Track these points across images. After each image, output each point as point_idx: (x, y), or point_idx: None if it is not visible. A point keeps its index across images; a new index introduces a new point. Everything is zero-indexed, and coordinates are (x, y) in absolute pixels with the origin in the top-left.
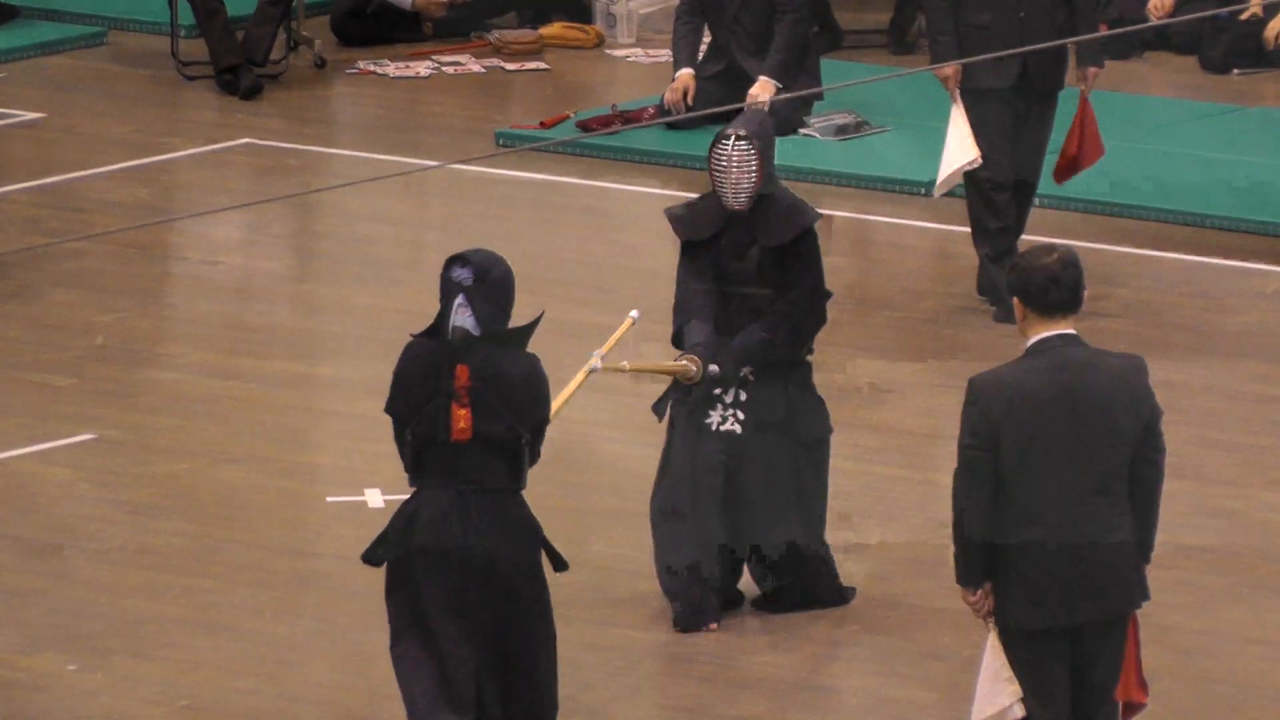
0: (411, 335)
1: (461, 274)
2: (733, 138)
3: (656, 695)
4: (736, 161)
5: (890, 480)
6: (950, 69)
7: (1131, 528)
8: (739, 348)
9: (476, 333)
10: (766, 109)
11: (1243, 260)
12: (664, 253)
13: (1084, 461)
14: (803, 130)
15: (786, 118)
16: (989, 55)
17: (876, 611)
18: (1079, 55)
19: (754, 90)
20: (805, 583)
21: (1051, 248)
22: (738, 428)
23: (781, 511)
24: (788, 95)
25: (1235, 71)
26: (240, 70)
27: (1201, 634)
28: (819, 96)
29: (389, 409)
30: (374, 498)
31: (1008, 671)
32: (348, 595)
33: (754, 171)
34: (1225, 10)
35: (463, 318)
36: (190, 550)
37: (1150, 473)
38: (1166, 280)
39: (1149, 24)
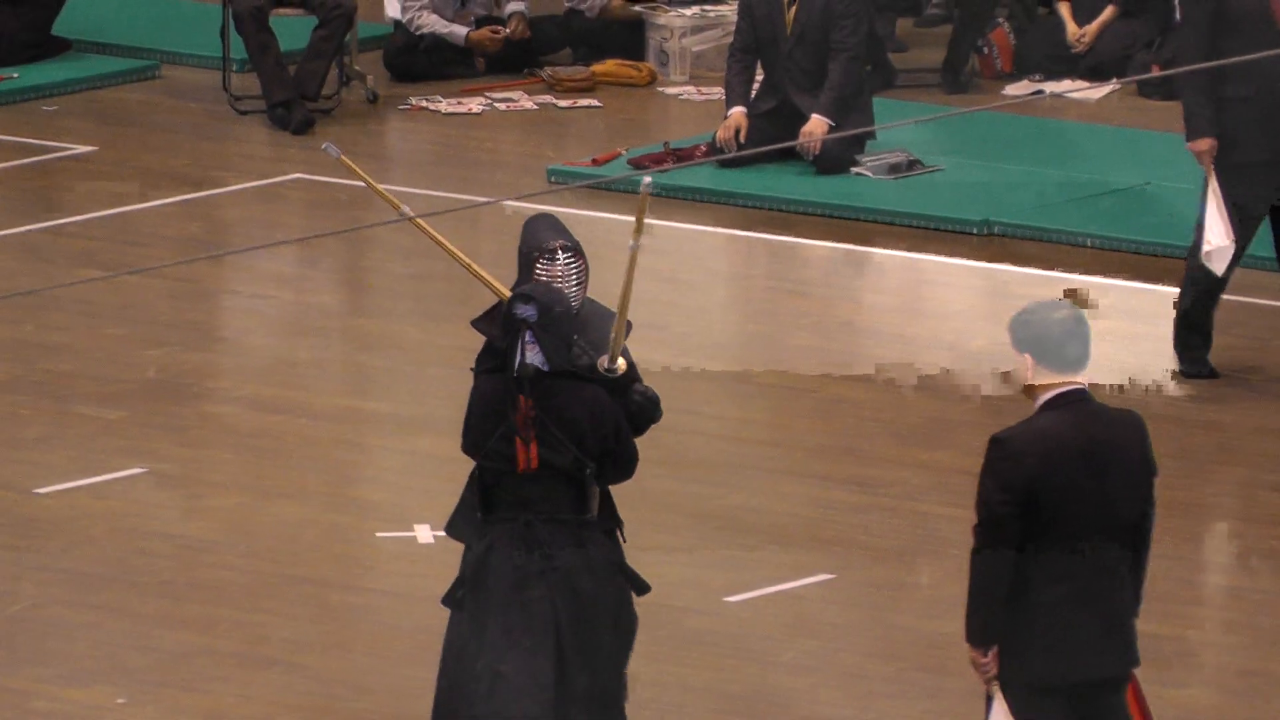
0: (471, 369)
1: (527, 311)
2: (559, 250)
3: None
4: (564, 274)
5: (940, 519)
6: (1205, 143)
7: (1137, 582)
8: None
9: (546, 369)
10: (819, 148)
11: None
12: (716, 289)
13: (1110, 515)
14: (855, 169)
15: (839, 156)
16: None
17: (926, 651)
18: None
19: (807, 128)
20: None
21: (1062, 303)
22: None
23: None
24: (840, 134)
25: None
26: (292, 105)
27: (1253, 675)
28: (872, 135)
29: (464, 448)
30: (424, 533)
31: None
32: (398, 630)
33: (584, 283)
34: (1275, 52)
35: (531, 354)
36: (241, 584)
37: (1148, 528)
38: (1222, 321)
39: (1200, 65)
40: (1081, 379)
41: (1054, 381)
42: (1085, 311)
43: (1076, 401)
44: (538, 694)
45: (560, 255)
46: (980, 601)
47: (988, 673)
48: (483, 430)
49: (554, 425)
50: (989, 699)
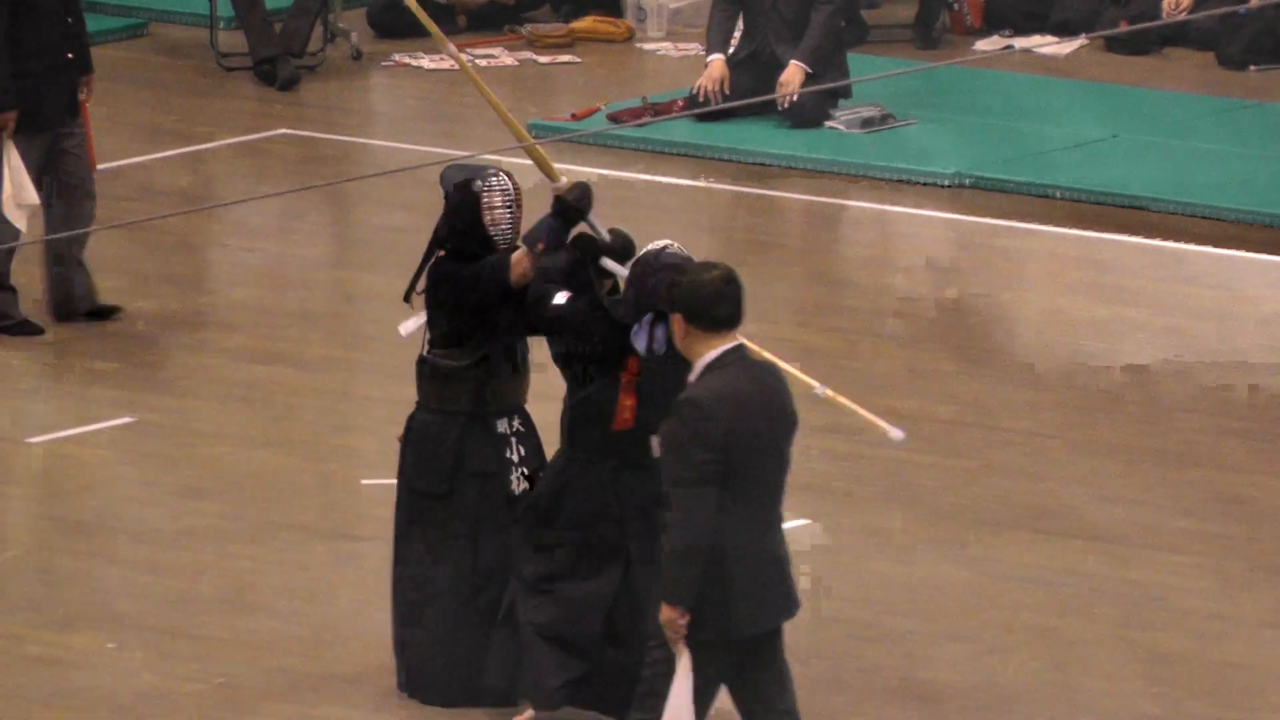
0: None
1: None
2: (500, 173)
3: None
4: (515, 195)
5: (915, 466)
6: None
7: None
8: None
9: (663, 350)
10: (795, 97)
11: (1260, 253)
12: (693, 241)
13: (781, 466)
14: (829, 123)
15: (813, 110)
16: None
17: (902, 595)
18: None
19: (785, 75)
20: None
21: (713, 265)
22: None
23: None
24: (815, 89)
25: (1252, 68)
26: (278, 61)
27: (1219, 619)
28: (847, 91)
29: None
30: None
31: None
32: (384, 576)
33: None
34: (1242, 7)
35: (660, 336)
36: (228, 531)
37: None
38: (1187, 271)
39: (1167, 20)
40: (736, 339)
41: (714, 342)
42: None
43: (738, 359)
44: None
45: (502, 177)
46: (686, 563)
47: (679, 633)
48: (588, 376)
49: (655, 384)
50: (671, 656)
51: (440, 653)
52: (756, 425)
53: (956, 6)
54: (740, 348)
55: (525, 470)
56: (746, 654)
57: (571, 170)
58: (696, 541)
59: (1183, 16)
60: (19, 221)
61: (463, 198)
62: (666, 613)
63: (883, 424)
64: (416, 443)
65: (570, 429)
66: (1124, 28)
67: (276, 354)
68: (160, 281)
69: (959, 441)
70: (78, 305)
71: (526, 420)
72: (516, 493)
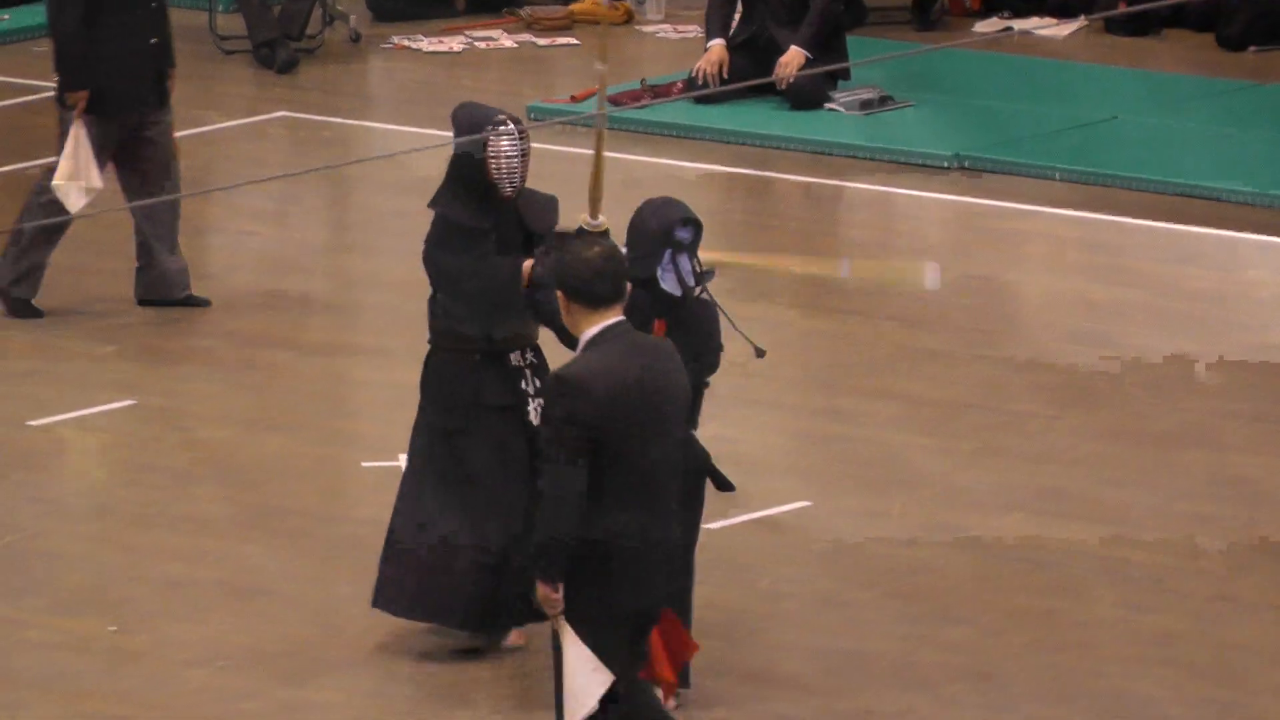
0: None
1: (684, 234)
2: (508, 121)
3: None
4: (521, 145)
5: (913, 448)
6: None
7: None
8: None
9: (693, 288)
10: (793, 79)
11: (1259, 234)
12: None
13: (666, 443)
14: (828, 105)
15: (813, 92)
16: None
17: (902, 577)
18: None
19: (784, 59)
20: None
21: (594, 242)
22: None
23: None
24: (815, 70)
25: (1251, 48)
26: (277, 44)
27: (1219, 600)
28: (846, 73)
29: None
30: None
31: (594, 662)
32: None
33: (527, 162)
34: None
35: (689, 276)
36: (228, 515)
37: (685, 454)
38: (1186, 252)
39: (1166, 2)
40: (619, 314)
41: (596, 318)
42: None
43: (619, 335)
44: None
45: (511, 125)
46: (555, 538)
47: (557, 607)
48: None
49: (684, 344)
50: (555, 634)
51: (437, 571)
52: (634, 401)
53: None
54: (622, 324)
55: (542, 401)
56: (631, 630)
57: (572, 154)
58: (566, 518)
59: None
60: (70, 201)
61: (468, 146)
62: (541, 589)
63: (915, 269)
64: (434, 382)
65: None
66: (1122, 9)
67: (276, 338)
68: None
69: (959, 424)
70: (171, 292)
71: (538, 353)
72: (535, 423)
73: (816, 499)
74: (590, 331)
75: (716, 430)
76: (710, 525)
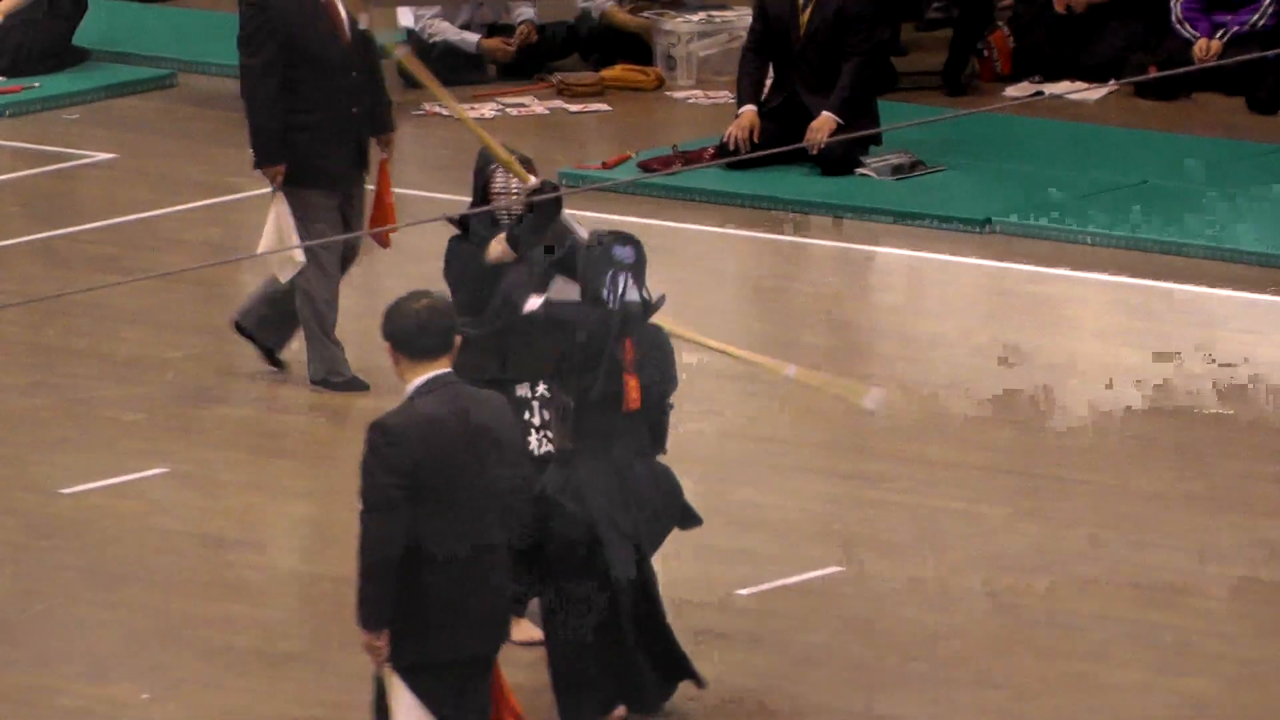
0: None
1: (624, 252)
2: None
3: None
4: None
5: (944, 514)
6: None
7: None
8: None
9: (642, 308)
10: (822, 144)
11: None
12: (724, 288)
13: (490, 495)
14: (859, 170)
15: (844, 157)
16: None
17: (932, 643)
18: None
19: (815, 124)
20: None
21: (421, 294)
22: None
23: None
24: (846, 136)
25: None
26: None
27: (1251, 664)
28: (877, 138)
29: (562, 384)
30: None
31: (419, 710)
32: None
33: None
34: (1272, 52)
35: (632, 293)
36: (260, 582)
37: (521, 507)
38: (1217, 315)
39: (1196, 66)
40: (447, 366)
41: (421, 370)
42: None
43: (444, 386)
44: None
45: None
46: (374, 586)
47: (380, 655)
48: (585, 361)
49: (649, 363)
50: (378, 680)
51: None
52: (453, 451)
53: (986, 53)
54: (448, 375)
55: (548, 434)
56: (458, 679)
57: (604, 220)
58: (382, 565)
59: (1213, 62)
60: (282, 272)
61: (475, 182)
62: (364, 638)
63: (858, 389)
64: None
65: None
66: (1153, 73)
67: (308, 404)
68: (191, 332)
69: (990, 488)
70: (341, 371)
71: (550, 387)
72: (538, 453)
73: (846, 564)
74: (416, 382)
75: (746, 496)
76: (741, 591)
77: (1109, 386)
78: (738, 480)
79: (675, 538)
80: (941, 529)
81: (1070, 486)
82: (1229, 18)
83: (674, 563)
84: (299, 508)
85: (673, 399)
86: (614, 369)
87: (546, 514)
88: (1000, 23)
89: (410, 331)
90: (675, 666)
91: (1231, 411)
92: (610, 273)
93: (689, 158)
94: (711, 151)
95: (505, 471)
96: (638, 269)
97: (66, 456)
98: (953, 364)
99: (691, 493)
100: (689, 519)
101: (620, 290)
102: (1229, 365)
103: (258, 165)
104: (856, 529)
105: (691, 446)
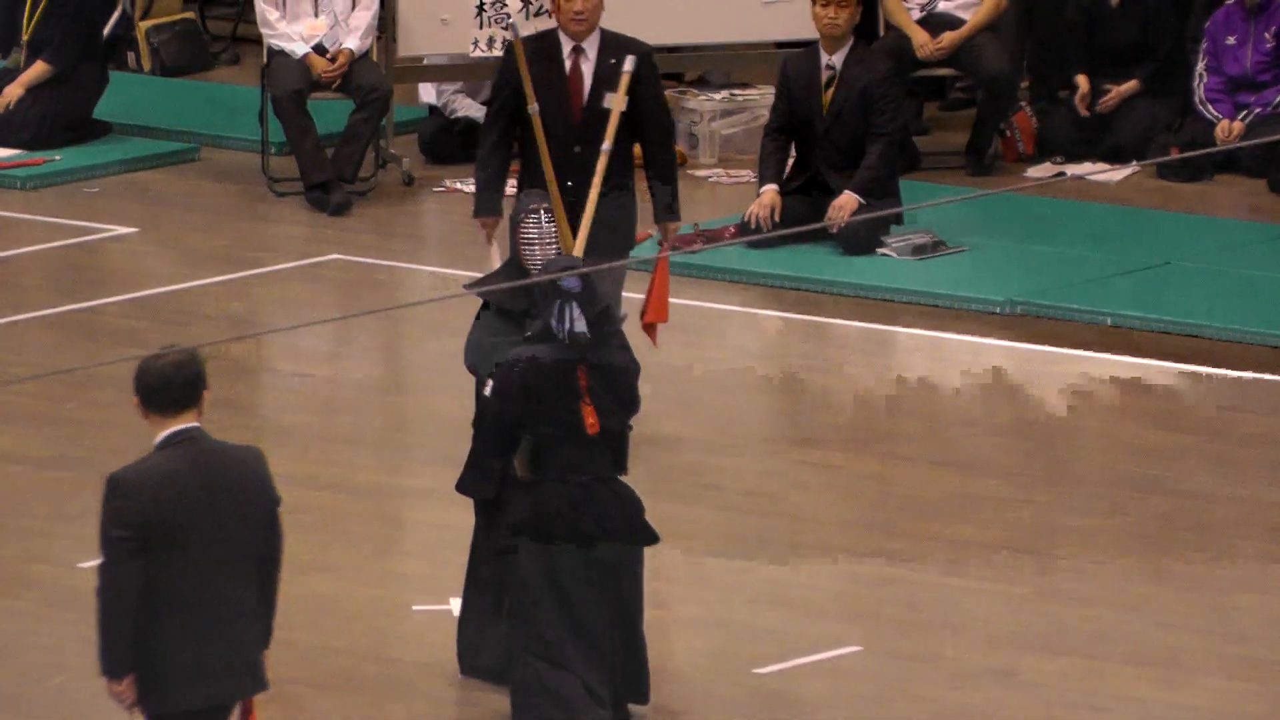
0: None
1: (571, 282)
2: (541, 212)
3: None
4: (548, 229)
5: (965, 592)
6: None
7: (268, 611)
8: None
9: (589, 335)
10: (844, 224)
11: None
12: (745, 367)
13: (229, 547)
14: (881, 250)
15: (866, 237)
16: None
17: None
18: None
19: (837, 203)
20: None
21: (170, 350)
22: None
23: None
24: (868, 215)
25: None
26: (330, 186)
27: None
28: (899, 217)
29: (500, 421)
30: (459, 606)
31: None
32: (434, 701)
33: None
34: None
35: (580, 324)
36: (277, 657)
37: (273, 556)
38: (1240, 397)
39: (1219, 148)
40: (194, 420)
41: (166, 423)
42: None
43: (188, 440)
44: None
45: (542, 215)
46: (111, 635)
47: (125, 701)
48: (544, 400)
49: (602, 389)
50: None
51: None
52: (191, 507)
53: (1009, 133)
54: (194, 429)
55: None
56: None
57: (626, 298)
58: (117, 614)
59: (1235, 143)
60: None
61: (510, 227)
62: (109, 686)
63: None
64: None
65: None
66: (1175, 155)
67: (326, 478)
68: (212, 406)
69: (1011, 567)
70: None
71: None
72: None
73: (867, 643)
74: (161, 435)
75: (767, 574)
76: (760, 670)
77: (1131, 467)
78: (758, 558)
79: (695, 615)
80: (960, 607)
81: (1091, 567)
82: (1252, 99)
83: (694, 640)
84: (316, 582)
85: (665, 428)
86: (570, 398)
87: (510, 546)
88: (1023, 103)
89: (154, 386)
90: (633, 687)
91: (1252, 492)
92: (558, 304)
93: (710, 236)
94: (733, 230)
95: (248, 524)
96: (584, 297)
97: (87, 530)
98: (975, 444)
99: (711, 569)
100: (649, 537)
101: (568, 322)
102: (1252, 446)
103: (476, 214)
104: (876, 607)
105: (712, 524)
